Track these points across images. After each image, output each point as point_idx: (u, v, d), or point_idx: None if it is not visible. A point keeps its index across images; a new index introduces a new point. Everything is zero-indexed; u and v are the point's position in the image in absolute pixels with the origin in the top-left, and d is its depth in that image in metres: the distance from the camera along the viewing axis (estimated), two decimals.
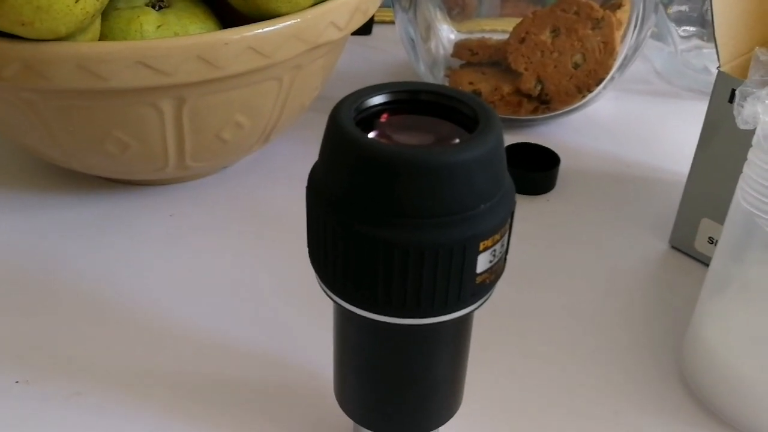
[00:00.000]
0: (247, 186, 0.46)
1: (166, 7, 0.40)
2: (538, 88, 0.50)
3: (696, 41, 0.58)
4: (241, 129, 0.40)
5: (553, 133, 0.53)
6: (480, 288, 0.23)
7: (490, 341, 0.35)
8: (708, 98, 0.37)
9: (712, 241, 0.39)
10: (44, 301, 0.37)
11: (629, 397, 0.33)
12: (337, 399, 0.28)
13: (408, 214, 0.21)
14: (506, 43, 0.49)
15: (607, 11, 0.48)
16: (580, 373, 0.34)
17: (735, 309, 0.32)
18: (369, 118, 0.23)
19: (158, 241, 0.41)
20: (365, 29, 0.66)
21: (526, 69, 0.49)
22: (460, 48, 0.51)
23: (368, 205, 0.21)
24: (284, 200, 0.45)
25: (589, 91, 0.50)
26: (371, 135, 0.22)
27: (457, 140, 0.22)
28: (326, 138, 0.22)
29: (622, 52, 0.50)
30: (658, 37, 0.59)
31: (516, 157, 0.47)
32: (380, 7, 0.44)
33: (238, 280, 0.39)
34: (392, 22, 0.60)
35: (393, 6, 0.53)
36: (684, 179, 0.40)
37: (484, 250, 0.22)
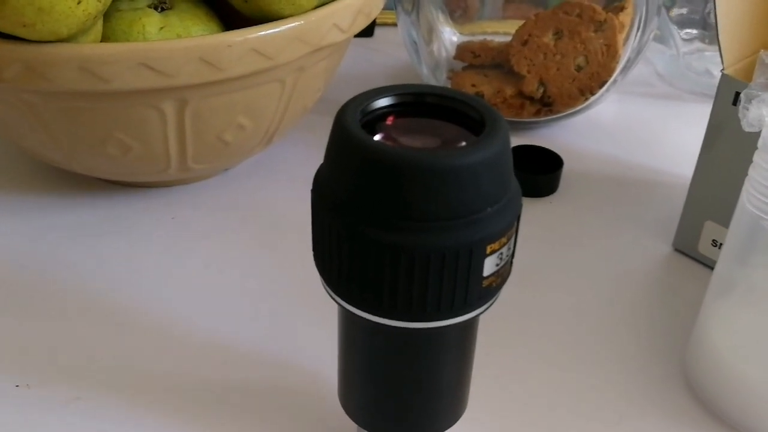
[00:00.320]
0: (249, 188, 0.46)
1: (168, 8, 0.40)
2: (541, 90, 0.50)
3: (698, 44, 0.59)
4: (243, 131, 0.40)
5: (556, 135, 0.52)
6: (486, 291, 0.23)
7: (493, 343, 0.35)
8: (710, 101, 0.37)
9: (715, 243, 0.39)
10: (45, 304, 0.37)
11: (633, 400, 0.33)
12: (340, 402, 0.28)
13: (414, 217, 0.21)
14: (509, 45, 0.49)
15: (610, 14, 0.47)
16: (584, 375, 0.34)
17: (740, 312, 0.32)
18: (374, 121, 0.23)
19: (160, 243, 0.41)
20: (368, 31, 0.66)
21: (528, 71, 0.49)
22: (462, 50, 0.51)
23: (374, 209, 0.21)
24: (286, 202, 0.45)
25: (592, 93, 0.50)
26: (377, 138, 0.22)
27: (464, 143, 0.22)
28: (331, 140, 0.22)
29: (625, 54, 0.50)
30: (661, 39, 0.59)
31: (519, 160, 0.47)
32: (383, 9, 0.44)
33: (241, 283, 0.39)
34: (395, 25, 0.60)
35: (395, 8, 0.53)
36: (687, 182, 0.40)
37: (491, 253, 0.22)
